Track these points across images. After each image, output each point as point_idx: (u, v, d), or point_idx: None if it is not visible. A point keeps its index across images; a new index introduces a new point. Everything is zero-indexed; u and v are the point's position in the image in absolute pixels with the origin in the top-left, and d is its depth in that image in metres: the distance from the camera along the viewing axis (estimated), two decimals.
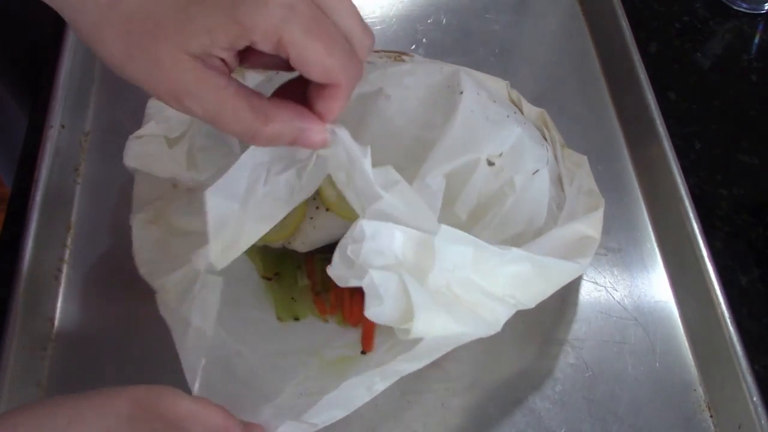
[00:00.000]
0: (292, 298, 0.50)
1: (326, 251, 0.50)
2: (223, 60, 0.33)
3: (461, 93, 0.48)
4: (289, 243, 0.49)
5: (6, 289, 0.48)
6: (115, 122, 0.60)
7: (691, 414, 0.49)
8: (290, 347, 0.48)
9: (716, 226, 0.57)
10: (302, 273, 0.51)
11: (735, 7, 0.71)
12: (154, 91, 0.34)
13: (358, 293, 0.49)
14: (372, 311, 0.37)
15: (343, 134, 0.36)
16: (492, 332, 0.42)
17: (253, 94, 0.34)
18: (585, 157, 0.54)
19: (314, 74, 0.33)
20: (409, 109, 0.49)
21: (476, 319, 0.41)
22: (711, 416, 0.49)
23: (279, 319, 0.49)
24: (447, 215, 0.45)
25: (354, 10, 0.35)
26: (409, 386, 0.48)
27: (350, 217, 0.48)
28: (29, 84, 0.74)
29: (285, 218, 0.46)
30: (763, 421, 0.46)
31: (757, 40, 0.70)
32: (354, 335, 0.48)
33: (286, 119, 0.34)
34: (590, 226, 0.48)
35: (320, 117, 0.35)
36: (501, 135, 0.47)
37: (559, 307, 0.53)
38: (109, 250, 0.53)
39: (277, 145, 0.35)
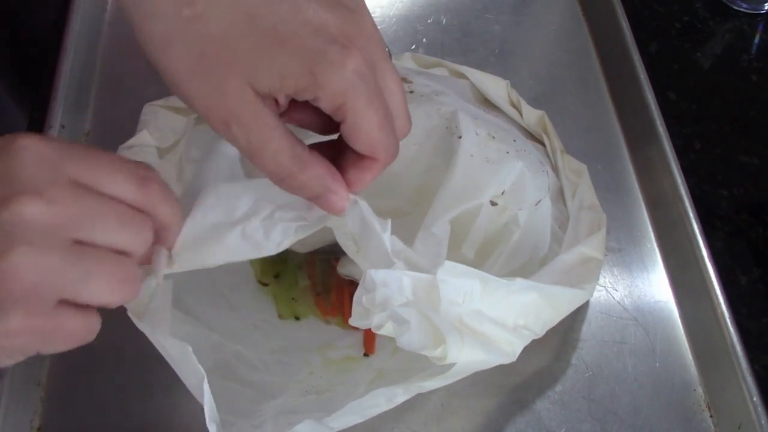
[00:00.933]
0: (293, 298, 0.50)
1: (326, 252, 0.51)
2: (276, 101, 0.33)
3: (459, 138, 0.48)
4: None
5: None
6: (115, 122, 0.60)
7: (691, 414, 0.49)
8: (292, 344, 0.48)
9: (716, 226, 0.57)
10: (302, 273, 0.51)
11: (735, 7, 0.71)
12: (206, 112, 0.33)
13: None
14: (403, 339, 0.38)
15: (364, 206, 0.37)
16: (509, 361, 0.42)
17: (297, 141, 0.34)
18: (584, 166, 0.54)
19: (360, 144, 0.34)
20: (409, 155, 0.49)
21: (495, 348, 0.41)
22: (711, 416, 0.49)
23: (280, 316, 0.49)
24: (455, 257, 0.45)
25: (403, 94, 0.36)
26: None
27: None
28: (29, 84, 0.74)
29: None
30: (763, 421, 0.46)
31: (757, 40, 0.70)
32: (355, 338, 0.49)
33: (319, 174, 0.35)
34: (594, 249, 0.48)
35: (348, 185, 0.36)
36: (502, 174, 0.47)
37: None
38: None
39: (299, 194, 0.35)
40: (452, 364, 0.39)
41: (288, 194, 0.36)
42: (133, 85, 0.62)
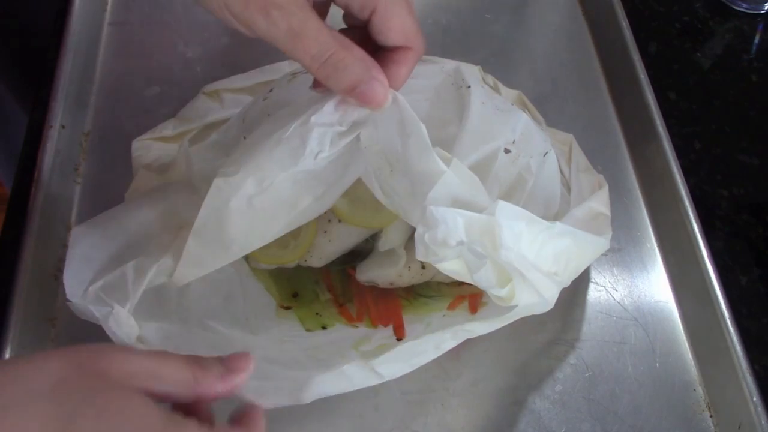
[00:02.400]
0: (317, 314, 0.50)
1: (340, 263, 0.51)
2: None
3: (469, 87, 0.48)
4: (305, 261, 0.49)
5: (6, 289, 0.48)
6: (115, 122, 0.60)
7: (691, 414, 0.49)
8: (325, 342, 0.47)
9: (716, 226, 0.57)
10: (321, 287, 0.51)
11: (735, 7, 0.71)
12: (245, 4, 0.34)
13: (381, 296, 0.50)
14: (479, 274, 0.38)
15: (404, 101, 0.36)
16: (546, 309, 0.43)
17: (332, 29, 0.35)
18: (571, 136, 0.55)
19: (394, 33, 0.36)
20: (422, 112, 0.49)
21: (538, 293, 0.42)
22: (711, 416, 0.49)
23: (308, 330, 0.49)
24: None
25: (413, 12, 0.37)
26: (409, 386, 0.48)
27: (363, 224, 0.48)
28: (29, 84, 0.74)
29: (297, 238, 0.47)
30: (763, 421, 0.46)
31: (757, 40, 0.70)
32: (385, 330, 0.49)
33: (363, 56, 0.35)
34: (601, 204, 0.50)
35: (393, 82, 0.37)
36: (512, 122, 0.48)
37: (559, 307, 0.52)
38: None
39: (340, 81, 0.35)
40: (511, 307, 0.40)
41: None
42: (133, 85, 0.62)
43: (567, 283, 0.45)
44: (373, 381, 0.40)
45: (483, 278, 0.39)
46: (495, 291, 0.40)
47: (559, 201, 0.49)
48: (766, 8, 0.71)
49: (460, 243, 0.38)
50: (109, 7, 0.67)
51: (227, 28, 0.38)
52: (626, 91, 0.63)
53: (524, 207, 0.45)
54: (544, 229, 0.41)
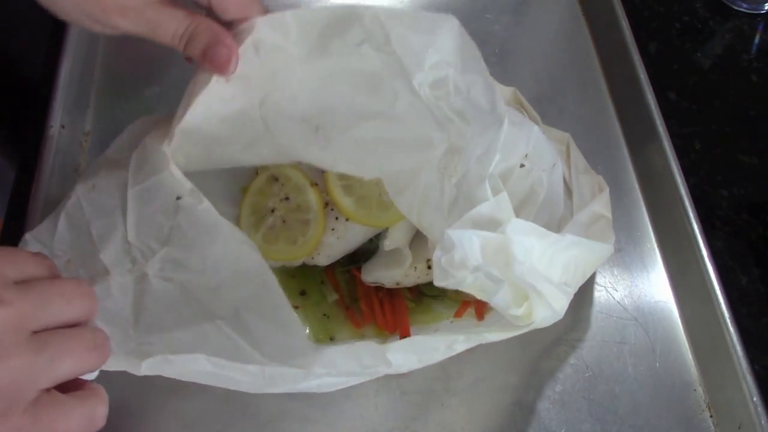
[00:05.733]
0: (325, 315, 0.50)
1: (345, 263, 0.51)
2: None
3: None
4: (312, 259, 0.49)
5: None
6: (115, 122, 0.60)
7: (691, 414, 0.49)
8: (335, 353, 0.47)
9: (716, 226, 0.57)
10: (328, 288, 0.51)
11: (735, 7, 0.71)
12: (101, 11, 0.39)
13: (386, 297, 0.50)
14: (497, 298, 0.39)
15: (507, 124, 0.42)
16: (557, 320, 0.44)
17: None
18: (568, 134, 0.55)
19: (232, 7, 0.41)
20: None
21: (551, 305, 0.42)
22: (711, 416, 0.49)
23: (317, 340, 0.49)
24: None
25: None
26: (409, 386, 0.48)
27: (369, 223, 0.48)
28: (29, 85, 0.74)
29: (306, 234, 0.47)
30: (763, 421, 0.46)
31: (757, 40, 0.70)
32: (393, 339, 0.48)
33: (210, 24, 0.40)
34: (603, 207, 0.50)
35: (241, 13, 0.42)
36: (525, 136, 0.48)
37: None
38: None
39: (196, 47, 0.40)
40: (530, 322, 0.41)
41: None
42: (133, 85, 0.62)
43: (575, 290, 0.45)
44: (381, 367, 0.40)
45: (501, 300, 0.40)
46: (512, 311, 0.41)
47: (562, 207, 0.50)
48: (766, 8, 0.71)
49: (476, 268, 0.39)
50: None
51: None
52: (626, 91, 0.63)
53: (534, 218, 0.46)
54: (554, 241, 0.42)
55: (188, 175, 0.42)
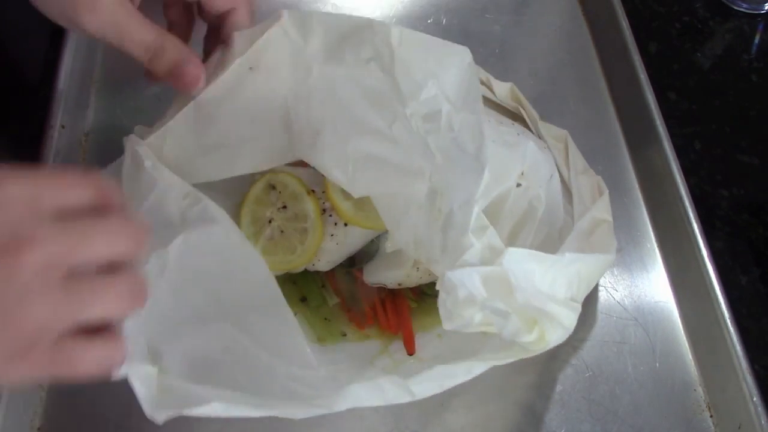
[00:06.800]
0: (325, 318, 0.50)
1: (346, 265, 0.51)
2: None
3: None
4: (313, 265, 0.49)
5: None
6: (115, 122, 0.60)
7: (691, 414, 0.49)
8: (341, 356, 0.48)
9: (716, 226, 0.57)
10: (329, 291, 0.51)
11: (735, 7, 0.71)
12: (72, 7, 0.39)
13: (388, 298, 0.50)
14: (507, 330, 0.40)
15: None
16: (568, 336, 0.44)
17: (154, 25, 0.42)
18: (566, 131, 0.55)
19: (219, 1, 0.43)
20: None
21: (560, 324, 0.43)
22: (711, 416, 0.49)
23: (321, 341, 0.49)
24: None
25: None
26: None
27: (369, 226, 0.48)
28: (29, 84, 0.74)
29: (304, 243, 0.47)
30: (763, 421, 0.46)
31: (757, 40, 0.70)
32: (398, 343, 0.49)
33: (177, 42, 0.42)
34: (603, 212, 0.50)
35: (226, 37, 0.43)
36: (520, 156, 0.49)
37: None
38: None
39: (162, 65, 0.41)
40: (545, 345, 0.42)
41: None
42: (133, 85, 0.62)
43: (581, 302, 0.45)
44: (406, 398, 0.40)
45: (511, 331, 0.40)
46: (524, 338, 0.41)
47: (563, 215, 0.50)
48: (766, 8, 0.71)
49: (483, 303, 0.39)
50: None
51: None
52: (626, 91, 0.63)
53: (535, 234, 0.47)
54: (554, 262, 0.42)
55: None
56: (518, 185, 0.47)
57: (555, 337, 0.43)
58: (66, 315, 0.30)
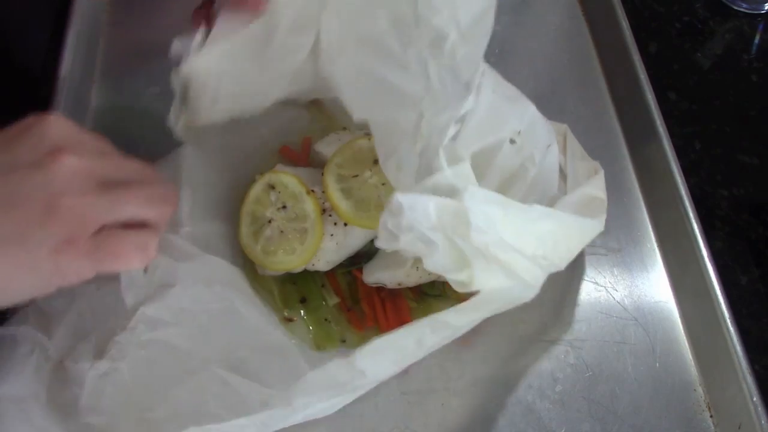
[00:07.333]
0: (326, 319, 0.50)
1: (346, 265, 0.51)
2: None
3: (482, 73, 0.48)
4: (313, 265, 0.49)
5: None
6: (115, 122, 0.60)
7: (691, 414, 0.49)
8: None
9: (716, 226, 0.57)
10: (329, 291, 0.51)
11: (735, 7, 0.71)
12: None
13: (388, 298, 0.50)
14: (431, 260, 0.39)
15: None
16: (532, 294, 0.43)
17: None
18: (566, 125, 0.55)
19: None
20: None
21: (518, 278, 0.41)
22: (711, 416, 0.49)
23: (320, 348, 0.49)
24: None
25: None
26: (409, 386, 0.48)
27: (368, 225, 0.48)
28: (29, 84, 0.74)
29: (303, 243, 0.47)
30: (763, 421, 0.46)
31: (757, 40, 0.70)
32: None
33: None
34: (597, 189, 0.50)
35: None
36: (519, 113, 0.48)
37: (559, 307, 0.53)
38: None
39: None
40: (476, 293, 0.40)
41: None
42: (133, 85, 0.62)
43: (561, 266, 0.45)
44: (358, 380, 0.39)
45: (434, 264, 0.39)
46: (452, 275, 0.40)
47: (556, 188, 0.49)
48: (766, 8, 0.71)
49: (432, 228, 0.38)
50: (109, 8, 0.67)
51: None
52: (626, 91, 0.63)
53: (524, 196, 0.45)
54: (520, 212, 0.41)
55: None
56: (512, 141, 0.46)
57: (496, 285, 0.41)
58: (103, 209, 0.35)
